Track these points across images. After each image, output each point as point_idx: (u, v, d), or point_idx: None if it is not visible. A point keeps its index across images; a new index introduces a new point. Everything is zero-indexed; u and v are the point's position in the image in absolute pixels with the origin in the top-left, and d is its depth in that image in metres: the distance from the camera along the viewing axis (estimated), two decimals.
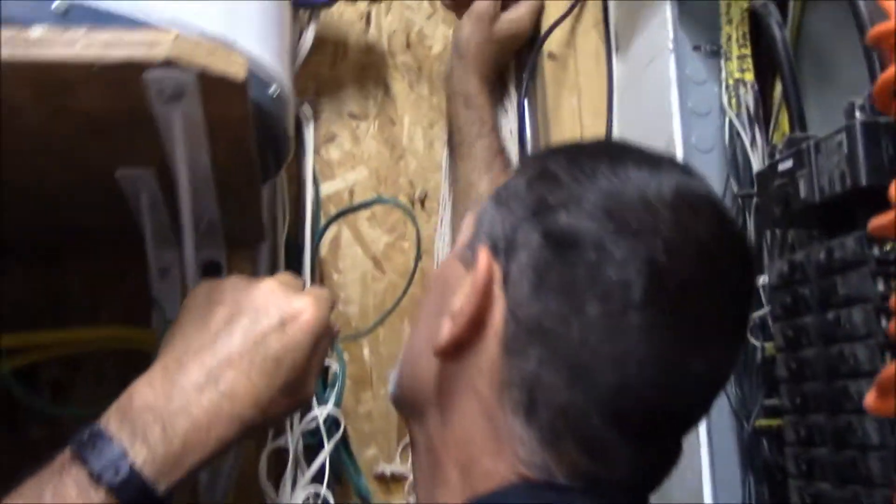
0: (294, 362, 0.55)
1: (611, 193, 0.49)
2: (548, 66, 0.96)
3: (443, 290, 0.53)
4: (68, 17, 0.48)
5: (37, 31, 0.47)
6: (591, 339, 0.46)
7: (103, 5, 0.49)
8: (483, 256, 0.50)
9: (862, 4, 0.64)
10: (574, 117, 0.96)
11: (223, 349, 0.53)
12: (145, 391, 0.52)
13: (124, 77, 0.48)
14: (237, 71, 0.49)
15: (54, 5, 0.48)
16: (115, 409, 0.51)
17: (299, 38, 0.96)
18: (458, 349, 0.50)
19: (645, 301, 0.46)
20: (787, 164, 0.67)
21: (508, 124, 1.00)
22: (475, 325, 0.49)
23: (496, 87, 1.00)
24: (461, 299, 0.49)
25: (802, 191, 0.65)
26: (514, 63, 1.02)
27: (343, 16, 1.07)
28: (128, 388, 0.52)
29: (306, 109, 0.96)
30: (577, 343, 0.46)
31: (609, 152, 0.54)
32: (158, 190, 0.67)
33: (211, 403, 0.52)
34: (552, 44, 0.96)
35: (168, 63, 0.47)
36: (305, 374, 0.57)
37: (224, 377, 0.53)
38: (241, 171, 0.66)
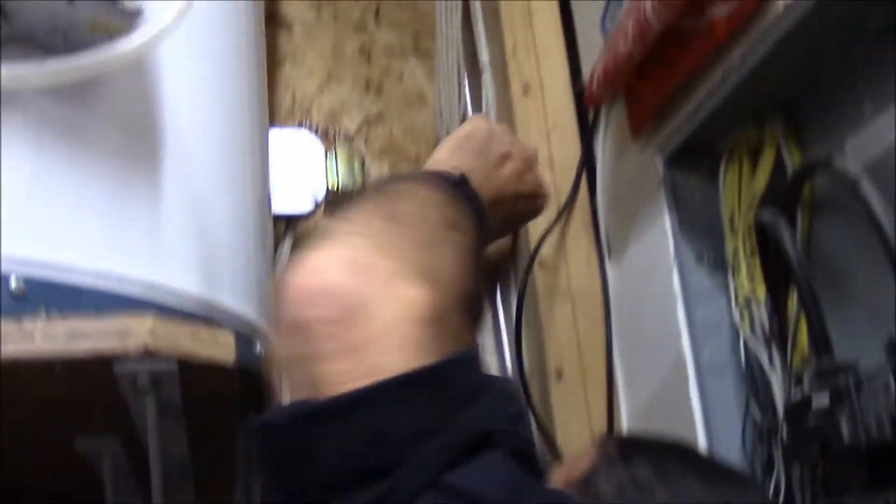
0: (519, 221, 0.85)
1: None
2: (538, 274, 0.92)
3: None
4: (25, 299, 0.41)
5: None
6: None
7: (66, 278, 0.43)
8: None
9: (885, 220, 0.60)
10: (569, 327, 0.90)
11: (499, 176, 0.73)
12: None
13: (90, 369, 0.40)
14: (225, 354, 0.42)
15: (12, 286, 0.41)
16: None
17: (276, 248, 0.91)
18: None
19: None
20: (822, 401, 0.61)
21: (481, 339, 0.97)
22: None
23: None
24: None
25: (846, 433, 0.59)
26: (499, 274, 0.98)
27: (321, 222, 1.02)
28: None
29: None
30: None
31: (691, 464, 0.57)
32: (123, 456, 0.59)
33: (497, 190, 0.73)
34: (541, 250, 0.92)
35: (145, 353, 0.40)
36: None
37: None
38: (218, 435, 0.58)
